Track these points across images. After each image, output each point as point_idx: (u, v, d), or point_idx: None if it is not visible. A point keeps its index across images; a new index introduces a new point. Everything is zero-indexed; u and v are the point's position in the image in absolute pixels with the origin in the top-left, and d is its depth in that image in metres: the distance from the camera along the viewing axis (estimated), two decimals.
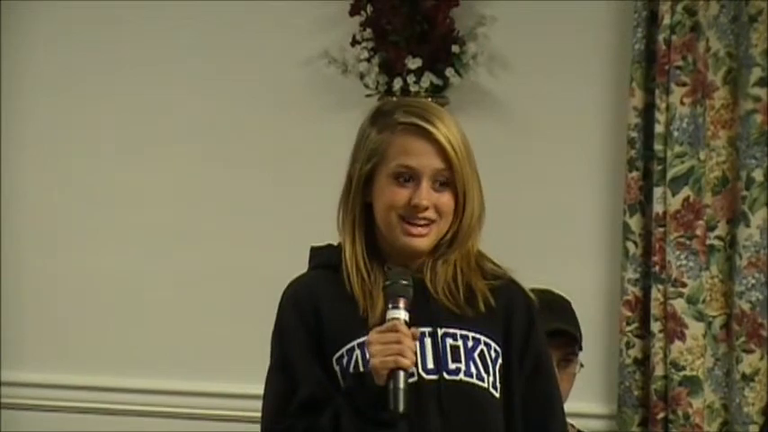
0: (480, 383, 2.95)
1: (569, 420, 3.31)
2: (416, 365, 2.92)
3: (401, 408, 2.78)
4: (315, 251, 3.11)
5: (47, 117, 5.16)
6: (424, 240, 2.96)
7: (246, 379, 4.42)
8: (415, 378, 2.90)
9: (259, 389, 3.09)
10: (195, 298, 5.01)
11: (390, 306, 2.87)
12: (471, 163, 3.00)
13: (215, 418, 4.96)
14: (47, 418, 5.15)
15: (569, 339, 3.80)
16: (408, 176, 2.95)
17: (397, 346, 2.81)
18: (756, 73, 4.31)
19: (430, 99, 4.50)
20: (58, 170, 5.17)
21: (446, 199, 2.95)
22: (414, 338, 2.84)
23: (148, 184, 5.07)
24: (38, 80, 5.17)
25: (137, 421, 5.05)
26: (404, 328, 2.83)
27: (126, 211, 5.09)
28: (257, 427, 3.20)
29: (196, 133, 4.97)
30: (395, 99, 4.20)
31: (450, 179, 2.95)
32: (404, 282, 2.89)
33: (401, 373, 2.79)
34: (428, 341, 2.95)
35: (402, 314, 2.85)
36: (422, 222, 2.94)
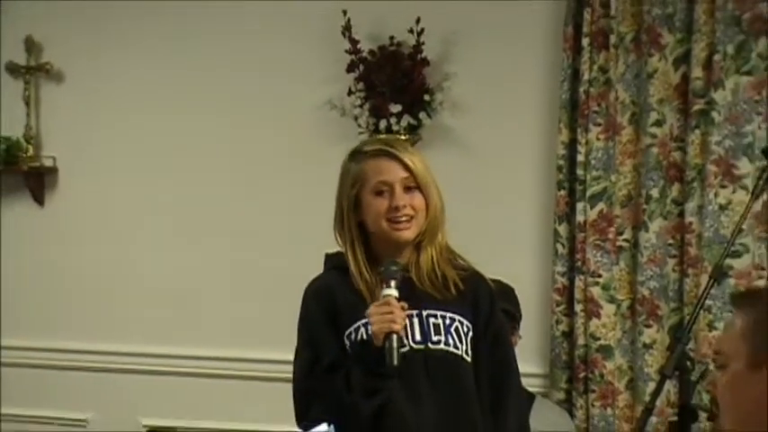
0: (456, 351, 3.06)
1: None
2: (407, 338, 3.02)
3: (395, 362, 2.89)
4: (328, 257, 3.21)
5: (92, 135, 5.09)
6: (409, 232, 3.07)
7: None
8: (406, 348, 2.99)
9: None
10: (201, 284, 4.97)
11: (384, 286, 2.97)
12: (428, 172, 3.10)
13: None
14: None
15: (512, 317, 3.91)
16: (385, 189, 3.06)
17: (389, 315, 2.92)
18: (653, 116, 4.30)
19: (407, 136, 4.55)
20: (96, 176, 5.10)
21: (417, 198, 3.07)
22: (402, 310, 2.95)
23: (180, 197, 5.00)
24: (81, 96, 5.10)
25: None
26: (395, 302, 2.95)
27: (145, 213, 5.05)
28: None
29: (230, 157, 4.92)
30: (364, 139, 4.14)
31: (415, 184, 3.06)
32: (394, 267, 3.00)
33: (394, 336, 2.90)
34: (416, 320, 3.06)
35: (393, 292, 2.97)
36: (404, 219, 3.06)
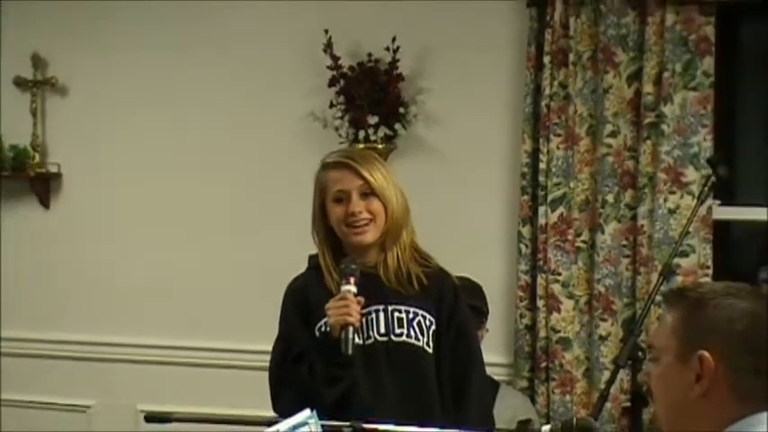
0: (417, 343, 3.08)
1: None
2: (372, 331, 3.06)
3: (350, 351, 2.91)
4: (310, 257, 3.24)
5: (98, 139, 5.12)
6: (367, 236, 3.10)
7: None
8: (371, 340, 3.05)
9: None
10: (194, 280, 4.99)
11: (343, 282, 3.00)
12: (385, 177, 3.12)
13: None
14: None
15: (479, 312, 3.92)
16: (343, 197, 3.09)
17: (345, 309, 2.96)
18: (609, 128, 4.31)
19: (383, 145, 4.57)
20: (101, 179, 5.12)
21: (374, 204, 3.10)
22: (359, 304, 2.97)
23: (178, 199, 5.02)
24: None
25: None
26: (351, 297, 2.97)
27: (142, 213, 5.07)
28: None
29: (222, 163, 4.94)
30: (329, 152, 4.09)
31: (371, 190, 3.09)
32: (352, 266, 3.02)
33: (350, 328, 2.92)
34: (381, 314, 3.10)
35: (351, 288, 2.99)
36: (360, 224, 3.09)
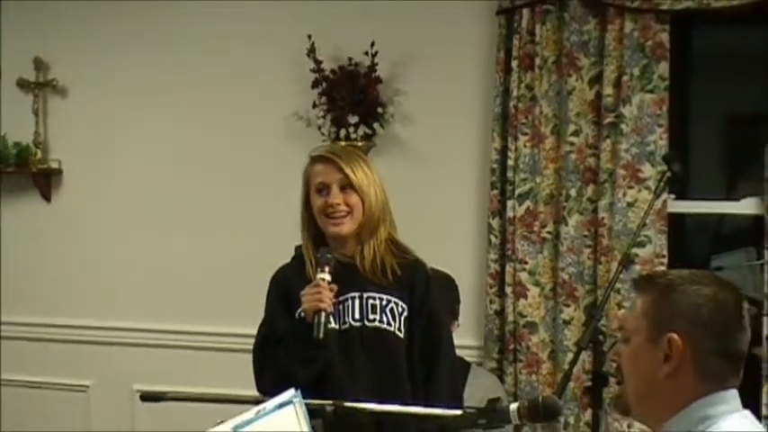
0: (389, 328, 3.07)
1: (458, 352, 3.33)
2: (347, 316, 3.05)
3: (321, 335, 2.90)
4: (296, 248, 3.21)
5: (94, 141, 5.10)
6: (344, 227, 3.09)
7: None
8: (347, 325, 3.04)
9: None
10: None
11: (318, 271, 2.99)
12: (366, 173, 3.10)
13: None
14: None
15: (450, 309, 3.85)
16: (323, 189, 3.08)
17: (318, 296, 2.95)
18: (572, 128, 4.32)
19: (363, 143, 4.55)
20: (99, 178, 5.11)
21: (353, 197, 3.08)
22: (332, 292, 2.97)
23: (169, 193, 5.01)
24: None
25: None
26: (324, 285, 2.96)
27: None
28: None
29: (212, 160, 4.92)
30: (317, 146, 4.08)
31: (350, 184, 3.07)
32: (328, 255, 3.01)
33: (322, 313, 2.91)
34: (356, 301, 3.09)
35: (325, 276, 2.98)
36: (338, 215, 3.08)
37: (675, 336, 1.97)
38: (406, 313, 3.12)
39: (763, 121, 4.10)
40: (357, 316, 3.10)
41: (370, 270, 3.13)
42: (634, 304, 2.07)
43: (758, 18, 4.15)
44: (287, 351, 3.05)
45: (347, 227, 3.11)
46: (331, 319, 3.02)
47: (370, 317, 3.10)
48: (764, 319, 4.11)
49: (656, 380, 1.99)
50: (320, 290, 2.99)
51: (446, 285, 3.89)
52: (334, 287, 3.03)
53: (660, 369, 1.98)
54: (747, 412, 2.03)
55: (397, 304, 3.12)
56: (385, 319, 3.10)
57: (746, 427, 1.99)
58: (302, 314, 3.04)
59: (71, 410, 5.14)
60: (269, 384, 3.01)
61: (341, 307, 3.10)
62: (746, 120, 4.55)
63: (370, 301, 3.11)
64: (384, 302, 3.11)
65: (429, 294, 3.17)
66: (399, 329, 3.11)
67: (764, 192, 4.15)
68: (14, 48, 5.13)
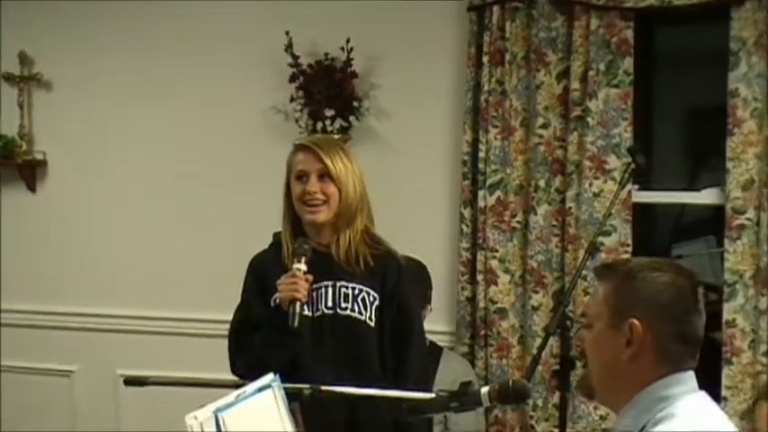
0: (360, 317, 3.07)
1: (430, 337, 3.41)
2: (320, 304, 3.04)
3: (295, 323, 2.90)
4: (274, 234, 3.20)
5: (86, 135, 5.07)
6: (320, 215, 3.08)
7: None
8: (319, 312, 3.03)
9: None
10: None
11: (295, 261, 2.98)
12: (345, 165, 3.09)
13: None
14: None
15: (422, 296, 3.90)
16: (303, 176, 3.07)
17: (293, 285, 2.94)
18: (540, 121, 4.31)
19: (339, 136, 4.52)
20: (91, 173, 5.08)
21: (330, 187, 3.07)
22: (307, 281, 2.96)
23: (156, 186, 4.99)
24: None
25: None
26: (300, 275, 2.96)
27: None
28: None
29: (194, 151, 4.91)
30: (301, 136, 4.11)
31: (328, 174, 3.05)
32: (305, 246, 3.00)
33: (297, 303, 2.91)
34: (330, 290, 3.08)
35: (301, 266, 2.97)
36: (315, 203, 3.06)
37: (636, 321, 1.99)
38: (377, 303, 3.12)
39: (723, 114, 4.11)
40: (330, 304, 3.10)
41: (344, 259, 3.12)
42: (596, 291, 2.09)
43: (717, 16, 4.16)
44: (263, 338, 3.04)
45: (323, 215, 3.10)
46: (305, 307, 3.01)
47: (343, 305, 3.10)
48: (723, 305, 4.11)
49: (619, 363, 2.01)
50: (296, 280, 2.98)
51: (419, 273, 3.89)
52: (310, 277, 3.02)
53: (622, 353, 2.00)
54: (704, 393, 2.05)
55: (368, 294, 3.11)
56: (357, 308, 3.10)
57: (703, 407, 2.01)
58: (277, 301, 3.04)
59: (56, 395, 5.13)
60: (243, 368, 3.03)
61: (314, 294, 3.09)
62: (707, 113, 4.55)
63: (343, 290, 3.11)
64: (356, 291, 3.11)
65: (400, 285, 3.15)
66: (370, 318, 3.11)
67: (724, 182, 4.15)
68: (1, 42, 5.11)
